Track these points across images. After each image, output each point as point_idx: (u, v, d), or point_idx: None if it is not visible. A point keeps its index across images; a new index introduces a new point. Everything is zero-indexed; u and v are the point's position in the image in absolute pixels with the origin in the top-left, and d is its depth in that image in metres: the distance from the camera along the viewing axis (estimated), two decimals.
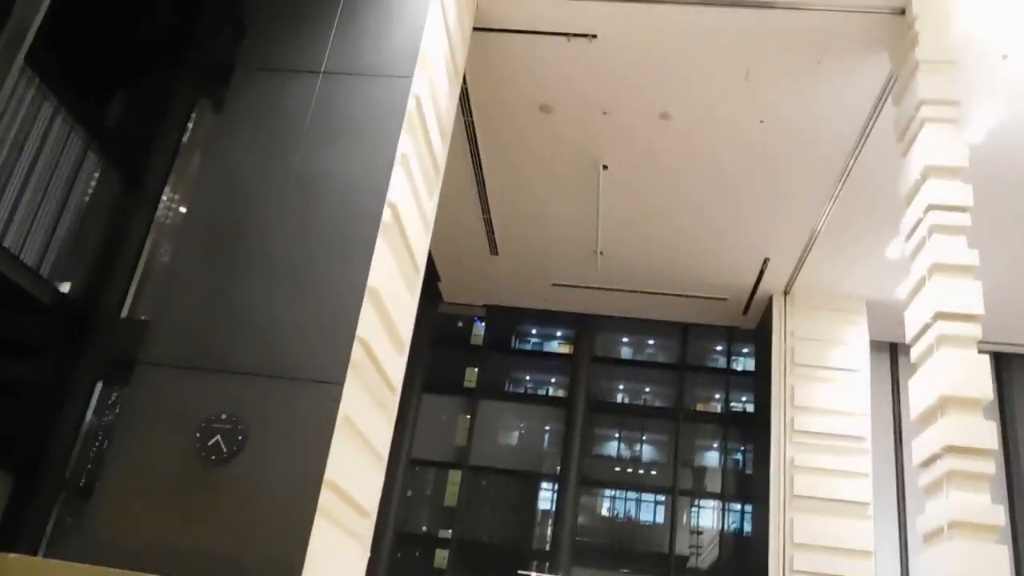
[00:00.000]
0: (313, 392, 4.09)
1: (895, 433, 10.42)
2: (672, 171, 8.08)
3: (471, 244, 9.83)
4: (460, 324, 11.91)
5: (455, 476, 10.94)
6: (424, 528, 11.02)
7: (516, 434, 11.59)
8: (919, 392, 5.14)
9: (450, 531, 10.66)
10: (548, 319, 11.41)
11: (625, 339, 11.56)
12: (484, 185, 8.71)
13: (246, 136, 4.79)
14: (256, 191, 4.62)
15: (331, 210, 4.51)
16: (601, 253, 9.59)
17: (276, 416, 4.04)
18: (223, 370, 4.14)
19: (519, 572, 6.02)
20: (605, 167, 8.14)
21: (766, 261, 9.35)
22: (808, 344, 9.70)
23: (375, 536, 10.37)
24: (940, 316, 5.03)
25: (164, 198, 5.22)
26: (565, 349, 11.52)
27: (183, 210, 4.88)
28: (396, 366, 4.88)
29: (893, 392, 10.69)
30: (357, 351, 4.18)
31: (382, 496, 10.55)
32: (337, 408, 4.03)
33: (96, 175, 5.21)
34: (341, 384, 4.09)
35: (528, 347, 11.79)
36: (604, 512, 11.12)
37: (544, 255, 9.85)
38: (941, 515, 4.67)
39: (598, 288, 10.41)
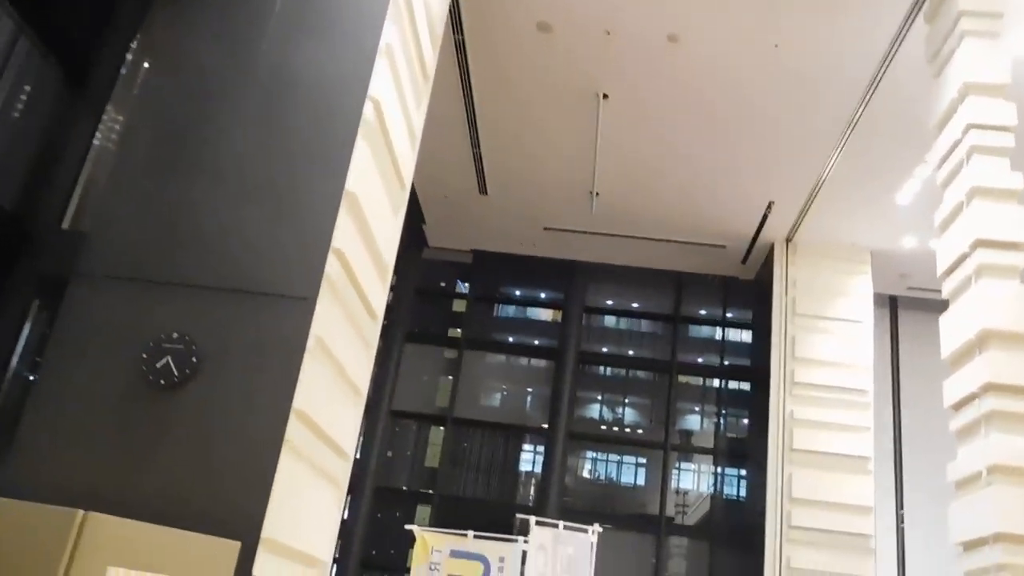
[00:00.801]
0: (280, 308, 3.53)
1: (893, 389, 10.08)
2: (677, 102, 7.49)
3: (459, 182, 9.22)
4: (443, 284, 11.38)
5: (437, 430, 10.49)
6: (405, 484, 10.58)
7: (502, 386, 11.13)
8: (952, 329, 4.70)
9: (431, 488, 10.24)
10: (538, 267, 10.86)
11: (618, 289, 11.06)
12: (475, 115, 8.08)
13: (206, 24, 4.15)
14: (216, 86, 3.99)
15: (304, 107, 3.90)
16: (597, 194, 9.02)
17: (237, 336, 3.49)
18: (175, 283, 3.57)
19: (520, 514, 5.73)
20: (605, 96, 7.54)
21: (771, 205, 8.84)
22: (810, 294, 9.27)
23: (354, 489, 9.85)
24: (981, 244, 4.56)
25: (113, 96, 4.57)
26: (555, 299, 11.00)
27: (133, 109, 4.25)
28: (377, 290, 4.33)
29: (892, 347, 10.34)
30: (332, 264, 3.62)
31: (361, 448, 10.12)
32: (308, 327, 3.49)
33: (33, 70, 4.54)
34: (313, 300, 3.54)
35: (517, 296, 11.25)
36: (592, 467, 10.75)
37: (537, 196, 9.27)
38: (978, 459, 4.27)
39: (592, 233, 9.88)
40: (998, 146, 4.73)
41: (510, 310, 11.33)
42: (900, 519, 9.31)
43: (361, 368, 4.21)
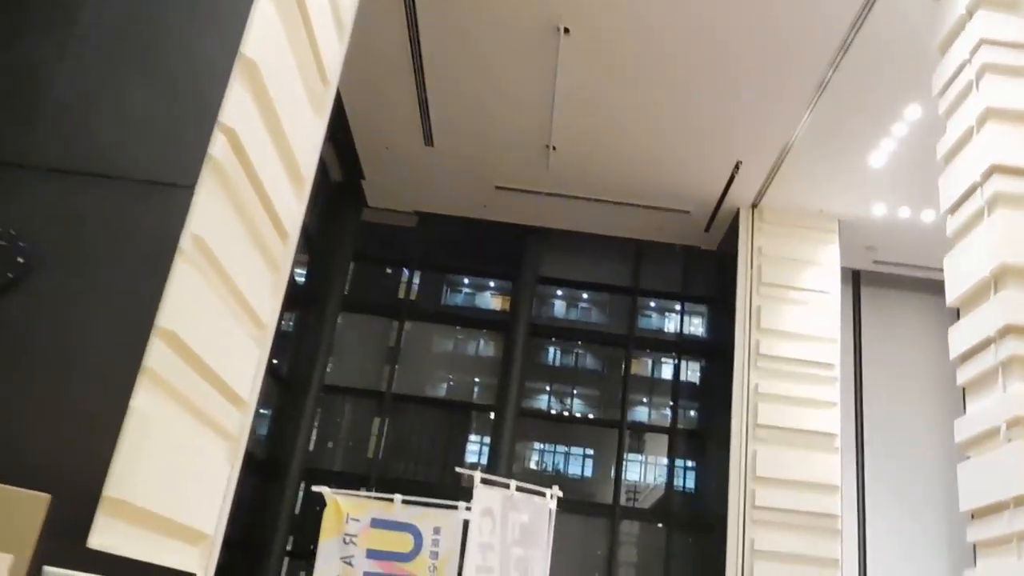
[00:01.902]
0: (144, 197, 2.66)
1: (855, 366, 9.65)
2: (646, 40, 6.80)
3: (402, 130, 8.36)
4: (384, 249, 10.43)
5: (376, 406, 9.61)
6: (339, 467, 9.67)
7: (447, 361, 10.31)
8: (960, 269, 4.11)
9: (368, 471, 9.36)
10: (488, 232, 10.07)
11: (574, 258, 10.35)
12: (420, 53, 7.24)
13: None
14: None
15: None
16: (554, 148, 8.29)
17: (81, 230, 2.61)
18: (3, 163, 2.66)
19: (456, 468, 4.86)
20: (566, 31, 6.80)
21: (738, 165, 8.25)
22: (776, 263, 8.73)
23: (279, 472, 8.82)
24: (997, 170, 3.97)
25: None
26: (506, 268, 10.21)
27: None
28: (288, 199, 3.47)
29: (855, 323, 9.91)
30: (219, 145, 2.77)
31: (289, 426, 9.17)
32: (182, 221, 2.63)
33: None
34: (190, 188, 2.68)
35: (464, 263, 10.43)
36: (539, 458, 10.03)
37: (488, 148, 8.47)
38: (995, 414, 3.67)
39: (547, 194, 9.14)
40: (1014, 64, 4.16)
41: (457, 279, 10.51)
42: (862, 500, 8.87)
43: (264, 294, 3.35)
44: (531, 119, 7.90)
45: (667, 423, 9.99)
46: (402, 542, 4.90)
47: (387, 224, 10.22)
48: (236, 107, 2.85)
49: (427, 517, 5.05)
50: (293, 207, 3.58)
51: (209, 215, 2.75)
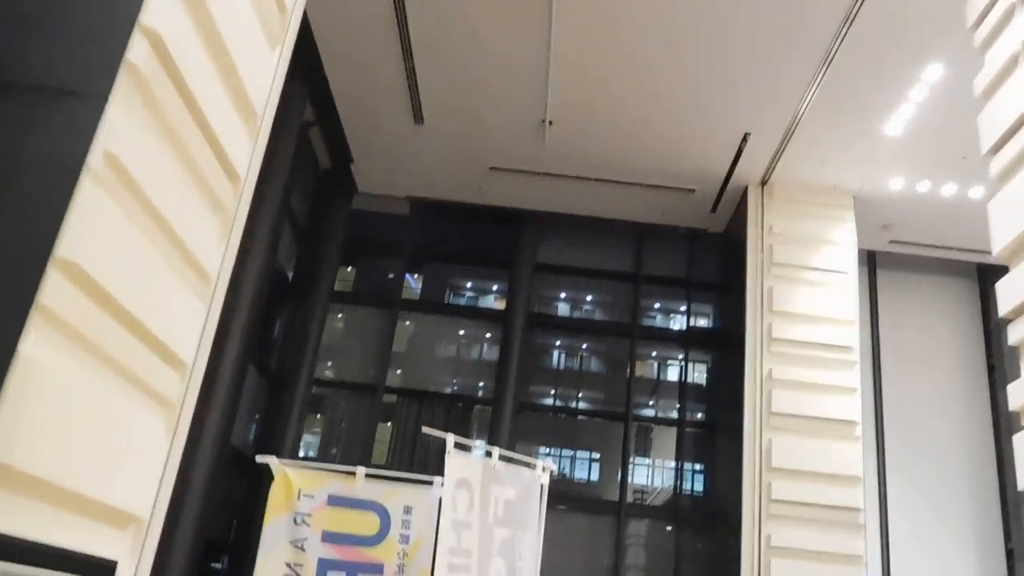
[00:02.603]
0: (42, 107, 2.21)
1: (873, 351, 9.14)
2: (643, 2, 6.36)
3: (390, 108, 7.93)
4: (376, 237, 9.98)
5: (370, 400, 9.14)
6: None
7: (444, 352, 9.84)
8: (1006, 215, 3.63)
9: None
10: (483, 217, 9.63)
11: (573, 244, 9.88)
12: (406, 22, 6.81)
13: None
14: None
15: None
16: (550, 123, 7.85)
17: None
18: None
19: (423, 428, 4.28)
20: None
21: (746, 137, 7.79)
22: (788, 242, 8.26)
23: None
24: None
25: None
26: (503, 256, 9.74)
27: None
28: (235, 134, 3.02)
29: (871, 307, 9.41)
30: (140, 50, 2.32)
31: (276, 423, 8.69)
32: (91, 136, 2.18)
33: None
34: (102, 98, 2.23)
35: (460, 251, 9.97)
36: (544, 442, 9.54)
37: (481, 124, 8.03)
38: None
39: (544, 174, 8.69)
40: None
41: (452, 266, 10.04)
42: (883, 490, 8.36)
43: (207, 240, 2.89)
44: (526, 92, 7.46)
45: (675, 417, 9.49)
46: (365, 523, 4.23)
47: (379, 212, 9.78)
48: (162, 7, 2.40)
49: (396, 495, 4.40)
50: (244, 145, 3.13)
51: (126, 131, 2.30)
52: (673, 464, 9.27)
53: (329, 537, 4.26)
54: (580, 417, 9.78)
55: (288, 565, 4.24)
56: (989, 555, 8.33)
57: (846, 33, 6.41)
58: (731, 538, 7.48)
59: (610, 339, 9.78)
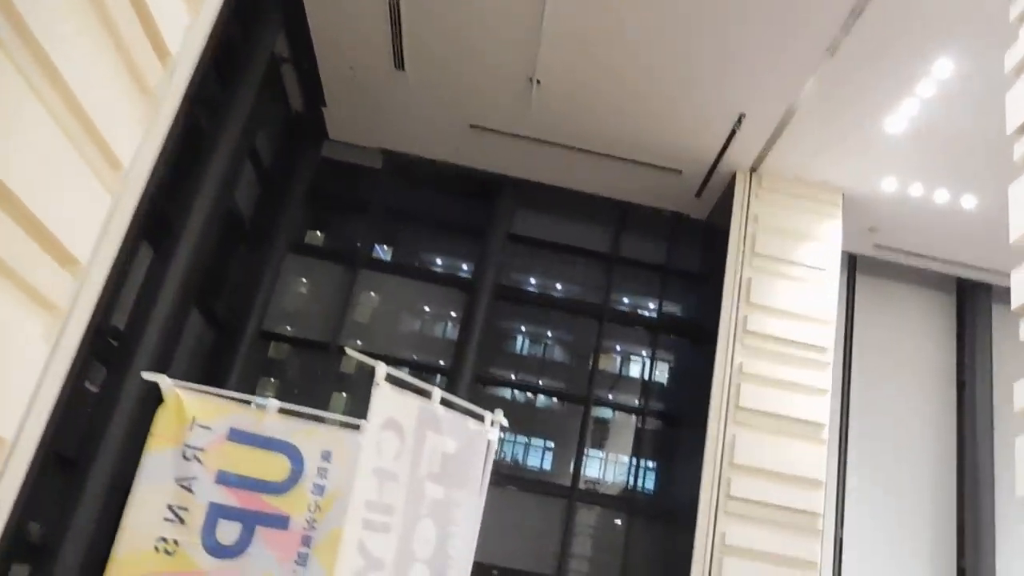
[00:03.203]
0: None
1: (844, 355, 8.90)
2: None
3: (371, 49, 7.40)
4: (344, 188, 9.43)
5: (321, 357, 8.65)
6: None
7: (407, 320, 9.38)
8: None
9: None
10: (459, 180, 9.16)
11: (550, 216, 9.47)
12: None
13: None
14: None
15: None
16: (538, 82, 7.40)
17: None
18: None
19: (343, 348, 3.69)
20: None
21: (741, 118, 7.43)
22: (772, 234, 7.95)
23: None
24: None
25: None
26: (475, 222, 9.29)
27: None
28: (169, 5, 2.53)
29: (847, 311, 9.17)
30: None
31: (218, 373, 8.12)
32: None
33: None
34: None
35: (431, 210, 9.49)
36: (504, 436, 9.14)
37: (465, 76, 7.55)
38: None
39: (526, 138, 8.24)
40: None
41: (421, 228, 9.56)
42: (842, 495, 8.14)
43: (122, 120, 2.41)
44: (516, 45, 7.00)
45: (637, 405, 9.17)
46: (272, 466, 3.54)
47: (349, 163, 9.25)
48: None
49: (314, 436, 3.73)
50: (180, 18, 2.64)
51: None
52: (628, 454, 8.96)
53: (225, 479, 3.56)
54: (539, 396, 9.41)
55: (171, 508, 3.49)
56: (941, 570, 8.18)
57: (856, 17, 6.07)
58: (684, 533, 7.18)
59: (579, 319, 9.40)
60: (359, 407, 8.80)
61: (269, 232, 8.66)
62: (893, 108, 6.89)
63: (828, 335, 7.60)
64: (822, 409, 7.32)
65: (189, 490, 3.58)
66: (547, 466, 9.13)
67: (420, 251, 9.53)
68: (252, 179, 8.55)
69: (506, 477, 8.55)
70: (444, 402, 3.59)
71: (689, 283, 9.33)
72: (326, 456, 3.73)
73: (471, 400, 8.45)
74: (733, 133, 7.59)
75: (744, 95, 7.15)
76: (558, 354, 9.65)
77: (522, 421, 9.13)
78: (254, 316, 8.28)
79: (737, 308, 7.59)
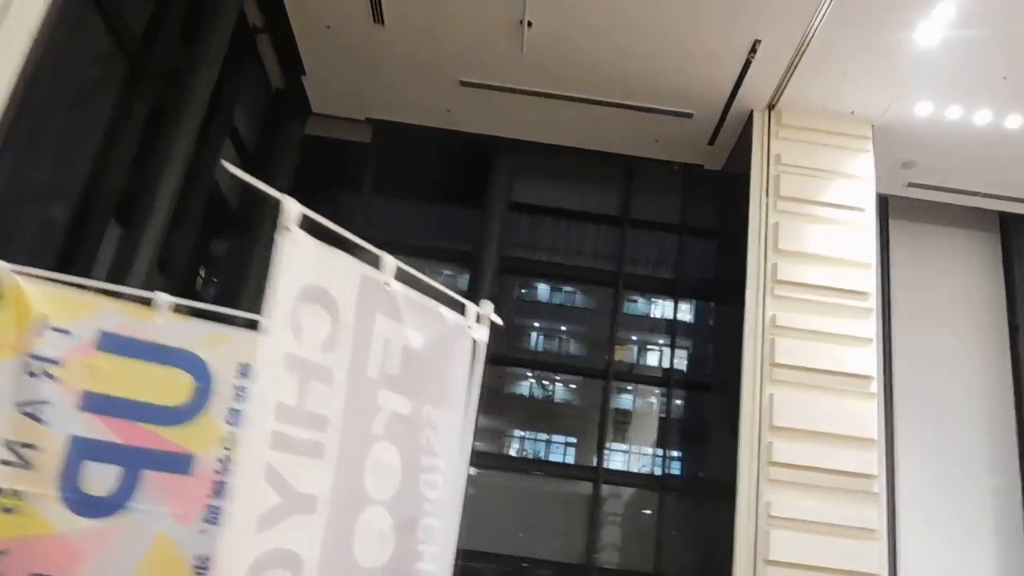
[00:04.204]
0: None
1: (883, 304, 8.16)
2: None
3: (345, 4, 6.79)
4: (333, 167, 8.84)
5: None
6: None
7: None
8: None
9: None
10: (453, 146, 8.55)
11: (552, 181, 8.82)
12: None
13: None
14: None
15: None
16: (529, 24, 6.74)
17: None
18: None
19: None
20: None
21: (755, 45, 6.72)
22: (797, 174, 7.24)
23: None
24: None
25: None
26: (474, 192, 8.66)
27: None
28: None
29: (882, 257, 8.42)
30: None
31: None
32: None
33: None
34: None
35: (426, 184, 8.87)
36: (514, 390, 8.53)
37: (450, 25, 6.90)
38: None
39: (521, 91, 7.59)
40: None
41: (417, 203, 8.94)
42: (891, 451, 7.42)
43: None
44: None
45: (661, 376, 8.49)
46: (167, 386, 2.52)
47: (337, 139, 8.66)
48: None
49: (226, 344, 2.72)
50: None
51: None
52: (655, 431, 8.30)
53: (94, 403, 2.46)
54: (557, 378, 8.77)
55: (9, 446, 2.39)
56: (1008, 522, 7.44)
57: None
58: (724, 508, 6.51)
59: (593, 288, 8.75)
60: None
61: (256, 216, 8.09)
62: (925, 15, 6.16)
63: (869, 279, 6.89)
64: (868, 360, 6.61)
65: (37, 419, 2.46)
66: (570, 459, 8.46)
67: (417, 227, 8.90)
68: (236, 162, 8.03)
69: (526, 463, 7.94)
70: (402, 277, 2.54)
71: (709, 242, 8.64)
72: (244, 371, 2.72)
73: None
74: (747, 65, 6.89)
75: (758, 17, 6.44)
76: (572, 326, 8.99)
77: (538, 412, 8.50)
78: (244, 301, 7.70)
79: (765, 256, 6.90)
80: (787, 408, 6.40)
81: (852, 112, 7.33)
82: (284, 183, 8.43)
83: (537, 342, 8.89)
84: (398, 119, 8.33)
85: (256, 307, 7.35)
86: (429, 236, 8.84)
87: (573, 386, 8.77)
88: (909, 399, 7.75)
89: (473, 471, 7.84)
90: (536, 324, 8.96)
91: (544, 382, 8.77)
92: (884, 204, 8.59)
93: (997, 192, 8.14)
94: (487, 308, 2.93)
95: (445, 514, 2.49)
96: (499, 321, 2.94)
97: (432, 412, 2.49)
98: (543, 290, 8.97)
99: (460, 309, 2.82)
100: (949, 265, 8.61)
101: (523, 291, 8.92)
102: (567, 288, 8.92)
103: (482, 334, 2.80)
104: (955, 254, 8.68)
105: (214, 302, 7.49)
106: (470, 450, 2.74)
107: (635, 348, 8.75)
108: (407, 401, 2.36)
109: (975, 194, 8.24)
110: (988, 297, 8.47)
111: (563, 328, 9.00)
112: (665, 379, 8.41)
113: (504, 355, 8.47)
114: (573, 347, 8.99)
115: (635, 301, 8.80)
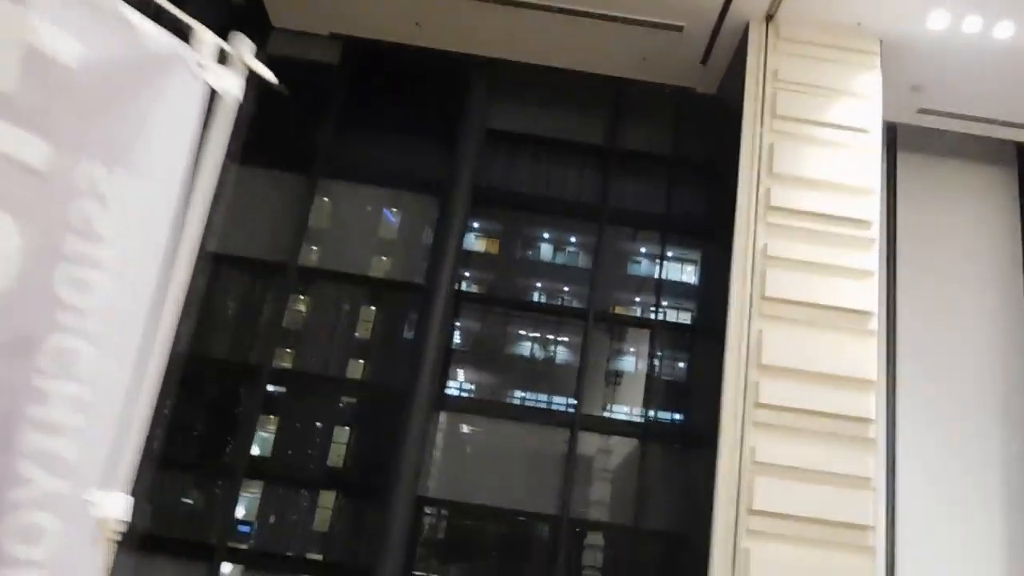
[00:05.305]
0: None
1: (888, 241, 7.52)
2: None
3: None
4: (295, 86, 8.16)
5: (276, 282, 7.53)
6: (226, 354, 7.62)
7: (370, 228, 8.19)
8: None
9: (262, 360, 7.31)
10: (425, 66, 7.88)
11: (531, 107, 8.16)
12: None
13: None
14: None
15: None
16: None
17: None
18: None
19: None
20: None
21: None
22: (796, 92, 6.57)
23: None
24: None
25: None
26: (445, 116, 8.00)
27: None
28: None
29: (888, 189, 7.76)
30: None
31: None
32: None
33: None
34: None
35: (394, 108, 8.20)
36: (490, 334, 7.98)
37: None
38: None
39: (497, 1, 6.90)
40: None
41: (386, 128, 8.27)
42: (892, 394, 6.86)
43: None
44: None
45: (651, 317, 7.92)
46: None
47: (302, 59, 8.00)
48: None
49: None
50: None
51: None
52: (642, 376, 7.76)
53: None
54: (532, 316, 8.21)
55: None
56: (1016, 475, 6.92)
57: None
58: (707, 453, 5.99)
59: (575, 222, 8.15)
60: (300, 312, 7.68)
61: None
62: None
63: (871, 207, 6.27)
64: (868, 295, 6.03)
65: None
66: (542, 400, 7.92)
67: (386, 154, 8.26)
68: None
69: (497, 407, 7.45)
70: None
71: (701, 175, 7.99)
72: None
73: (451, 310, 7.32)
74: None
75: None
76: (552, 264, 8.40)
77: (515, 360, 7.96)
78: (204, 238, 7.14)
79: (758, 181, 6.27)
80: (777, 345, 5.84)
81: (859, 24, 6.62)
82: (246, 105, 7.81)
83: (511, 287, 8.31)
84: (364, 35, 7.67)
85: (220, 242, 6.65)
86: (398, 164, 8.20)
87: (551, 336, 8.21)
88: (913, 340, 7.17)
89: (444, 416, 7.42)
90: (512, 266, 8.37)
91: (521, 331, 8.21)
92: (892, 133, 7.90)
93: (1017, 120, 7.44)
94: (241, 45, 2.05)
95: (106, 340, 1.59)
96: (268, 74, 2.07)
97: (98, 173, 1.70)
98: (520, 227, 8.36)
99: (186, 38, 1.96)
100: (961, 201, 7.95)
101: (499, 227, 8.32)
102: (546, 224, 8.31)
103: (230, 83, 1.93)
104: (968, 189, 8.01)
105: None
106: (191, 254, 1.83)
107: (619, 284, 8.16)
108: (43, 145, 1.52)
109: (992, 122, 7.55)
110: (1003, 235, 7.84)
111: (544, 271, 8.42)
112: (651, 320, 7.84)
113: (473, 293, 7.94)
114: (554, 291, 8.42)
115: (621, 238, 8.18)
